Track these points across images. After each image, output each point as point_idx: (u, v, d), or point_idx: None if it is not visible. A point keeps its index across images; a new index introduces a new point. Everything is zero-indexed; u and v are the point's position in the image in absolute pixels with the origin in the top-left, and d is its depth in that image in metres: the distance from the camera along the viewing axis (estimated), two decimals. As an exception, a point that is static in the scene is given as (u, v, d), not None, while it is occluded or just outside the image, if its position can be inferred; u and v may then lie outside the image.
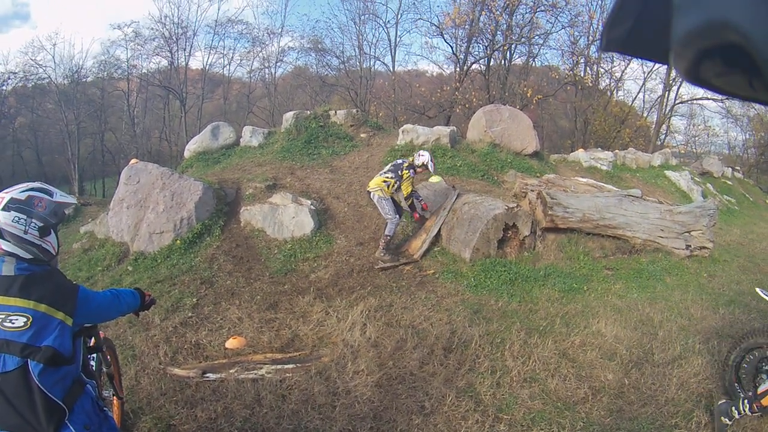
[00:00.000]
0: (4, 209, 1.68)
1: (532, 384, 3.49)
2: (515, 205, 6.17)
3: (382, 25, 20.22)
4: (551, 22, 18.50)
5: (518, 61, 20.24)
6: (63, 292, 1.70)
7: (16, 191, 1.75)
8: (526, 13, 18.18)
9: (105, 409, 1.89)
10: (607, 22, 0.44)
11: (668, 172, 12.82)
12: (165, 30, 22.15)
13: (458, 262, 5.84)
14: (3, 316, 1.58)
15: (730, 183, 16.30)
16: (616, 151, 13.54)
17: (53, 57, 26.91)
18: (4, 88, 22.91)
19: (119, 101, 25.15)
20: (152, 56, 23.06)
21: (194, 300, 4.96)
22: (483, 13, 17.64)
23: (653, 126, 21.32)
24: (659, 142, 20.78)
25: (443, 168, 8.28)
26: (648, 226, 6.55)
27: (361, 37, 20.39)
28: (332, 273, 5.58)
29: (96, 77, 23.85)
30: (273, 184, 7.49)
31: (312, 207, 6.70)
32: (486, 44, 18.42)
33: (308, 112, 10.44)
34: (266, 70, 24.11)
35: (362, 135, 9.93)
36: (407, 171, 5.93)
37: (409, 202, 6.09)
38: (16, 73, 22.71)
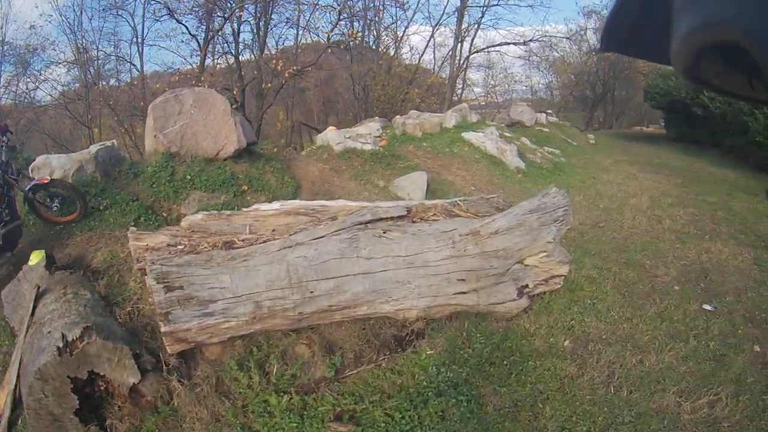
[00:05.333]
0: None
1: None
2: (81, 331, 2.36)
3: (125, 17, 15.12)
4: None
5: (281, 40, 16.47)
6: None
7: None
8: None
9: None
10: (607, 22, 0.44)
11: (467, 134, 9.44)
12: None
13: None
14: None
15: (546, 130, 13.52)
16: (396, 117, 10.68)
17: None
18: None
19: None
20: None
21: None
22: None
23: (447, 81, 19.84)
24: (456, 98, 19.37)
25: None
26: (427, 282, 3.09)
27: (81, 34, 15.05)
28: None
29: None
30: None
31: None
32: (225, 14, 14.01)
33: None
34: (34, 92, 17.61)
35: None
36: None
37: None
38: None
